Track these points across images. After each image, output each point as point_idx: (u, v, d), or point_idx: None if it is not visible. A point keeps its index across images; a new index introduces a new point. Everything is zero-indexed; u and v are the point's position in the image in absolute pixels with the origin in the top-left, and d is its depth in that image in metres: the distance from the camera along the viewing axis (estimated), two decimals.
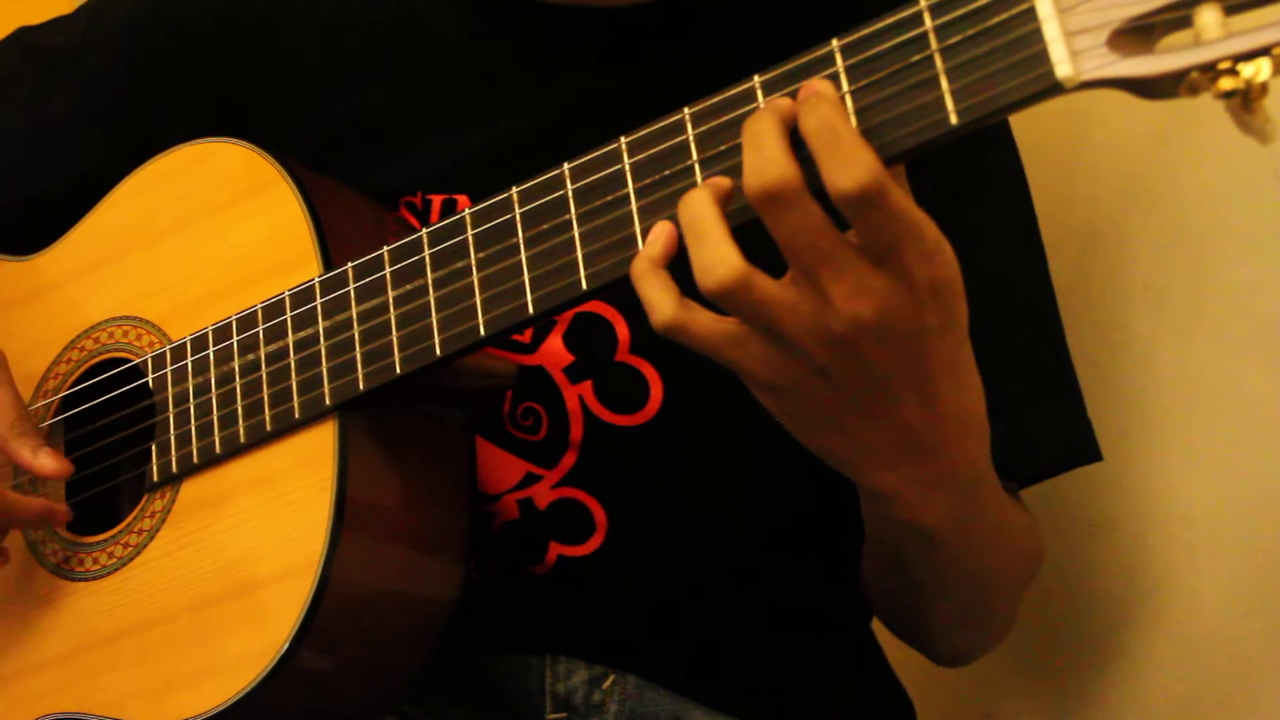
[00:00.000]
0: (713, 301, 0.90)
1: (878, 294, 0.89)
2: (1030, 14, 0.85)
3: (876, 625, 1.35)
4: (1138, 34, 0.84)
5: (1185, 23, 0.83)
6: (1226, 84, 0.82)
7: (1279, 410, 1.36)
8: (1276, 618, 1.36)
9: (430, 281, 1.06)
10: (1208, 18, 0.82)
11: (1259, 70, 0.81)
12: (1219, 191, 1.38)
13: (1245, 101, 0.82)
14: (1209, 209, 1.39)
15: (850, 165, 0.86)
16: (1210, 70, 0.82)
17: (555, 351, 1.20)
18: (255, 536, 1.10)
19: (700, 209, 0.91)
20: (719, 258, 0.89)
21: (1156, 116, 1.39)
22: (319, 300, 1.11)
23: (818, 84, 0.89)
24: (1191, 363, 1.40)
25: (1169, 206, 1.42)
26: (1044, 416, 1.24)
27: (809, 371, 0.92)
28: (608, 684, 1.23)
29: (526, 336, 1.20)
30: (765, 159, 0.87)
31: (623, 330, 1.19)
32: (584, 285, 0.99)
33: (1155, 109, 1.37)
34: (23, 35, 1.41)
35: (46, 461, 1.18)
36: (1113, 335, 1.43)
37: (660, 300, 0.92)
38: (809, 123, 0.87)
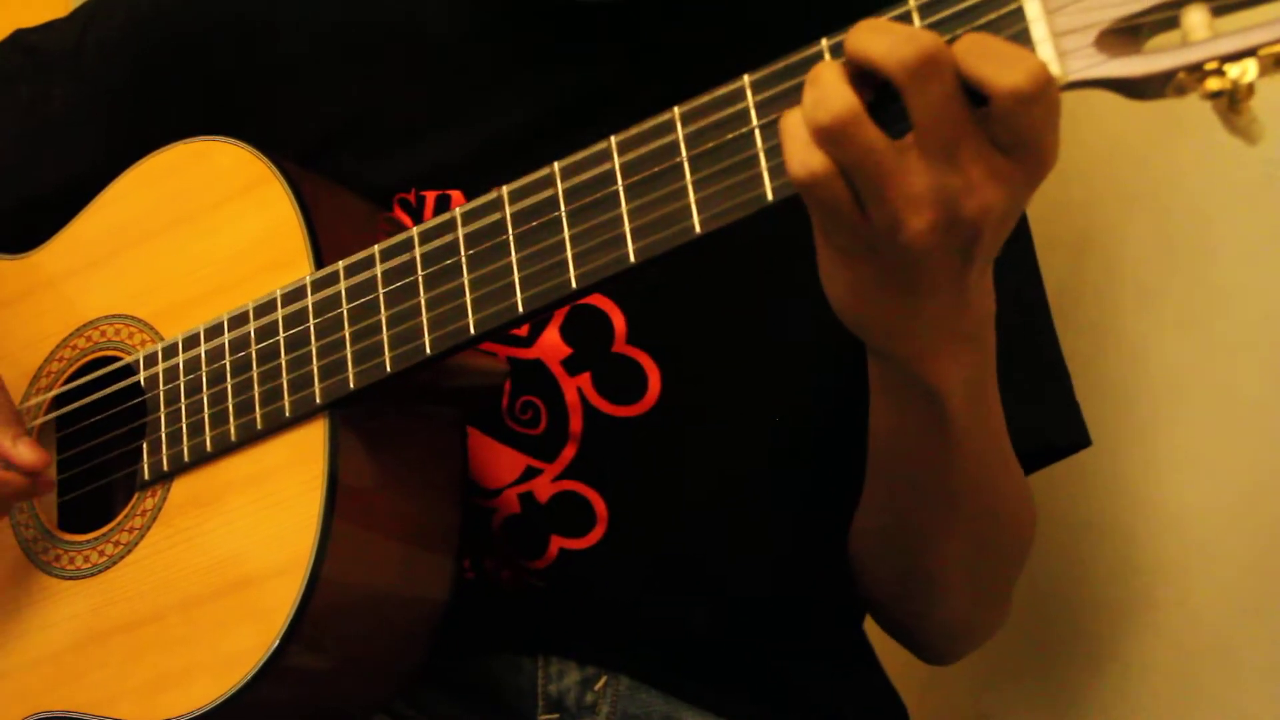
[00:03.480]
0: (821, 140, 0.88)
1: (1012, 183, 0.89)
2: (1019, 14, 0.86)
3: (869, 626, 1.35)
4: (1125, 35, 0.85)
5: (1173, 23, 0.84)
6: (1213, 85, 0.82)
7: (1270, 412, 1.36)
8: (1268, 619, 1.36)
9: (420, 280, 1.06)
10: (1195, 19, 0.82)
11: (1245, 71, 0.81)
12: (1211, 195, 1.39)
13: (1232, 102, 0.82)
14: (1201, 212, 1.40)
15: (1020, 60, 0.85)
16: (1197, 71, 0.82)
17: (553, 344, 1.20)
18: (246, 534, 1.10)
19: (823, 65, 0.90)
20: (836, 92, 0.88)
21: (1149, 121, 1.40)
22: (310, 298, 1.11)
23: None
24: (1183, 365, 1.40)
25: (1161, 210, 1.42)
26: (1038, 400, 1.24)
27: (884, 235, 0.91)
28: (600, 685, 1.24)
29: (523, 330, 1.20)
30: (906, 33, 0.87)
31: (619, 321, 1.20)
32: (574, 284, 0.99)
33: (1147, 113, 1.37)
34: (19, 37, 1.41)
35: (24, 451, 1.18)
36: (1105, 337, 1.43)
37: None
38: (962, 41, 0.87)
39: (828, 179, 0.89)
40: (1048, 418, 1.26)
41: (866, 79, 0.88)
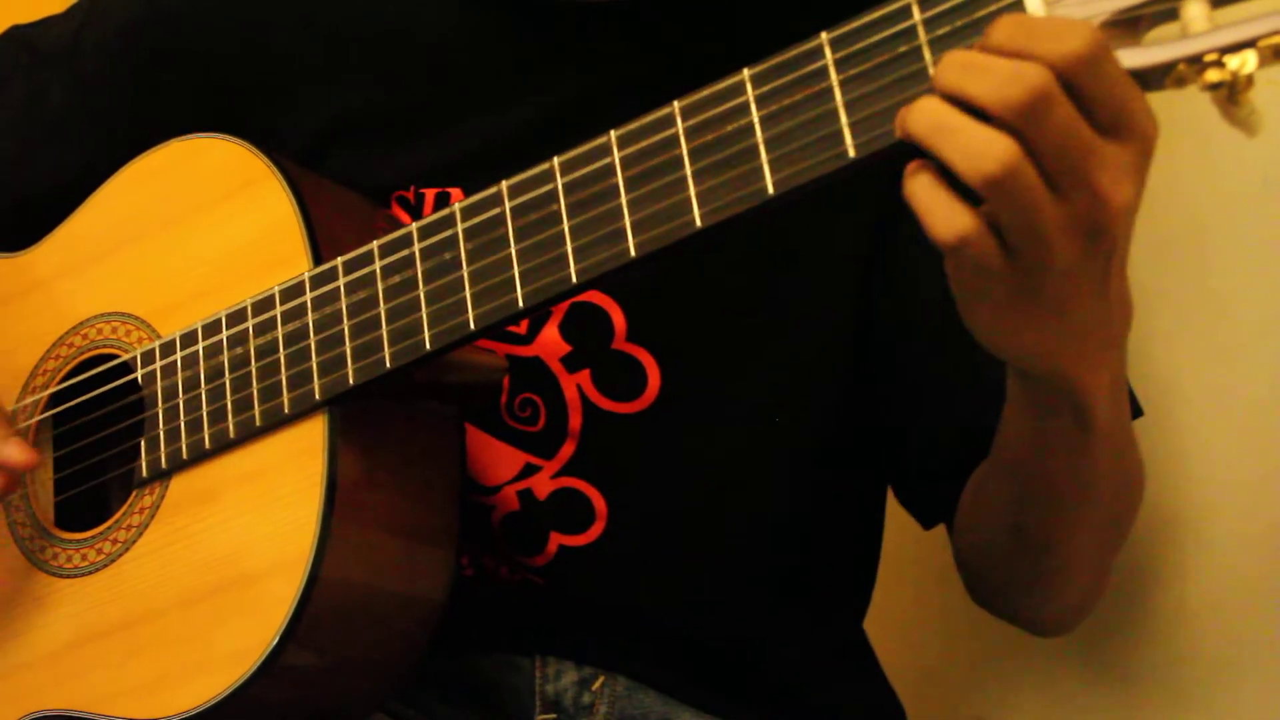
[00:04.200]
0: (989, 189, 0.84)
1: (1132, 170, 0.86)
2: (1018, 7, 0.86)
3: (866, 626, 1.35)
4: (1125, 26, 0.85)
5: (1172, 15, 0.84)
6: (1213, 76, 0.82)
7: (1268, 415, 1.36)
8: (1264, 622, 1.36)
9: (420, 275, 1.06)
10: (1194, 10, 0.83)
11: (1245, 63, 0.81)
12: (1209, 198, 1.39)
13: (1231, 94, 0.82)
14: (1199, 216, 1.40)
15: (1067, 31, 0.83)
16: (1197, 63, 0.83)
17: (552, 341, 1.20)
18: (245, 532, 1.10)
19: (935, 109, 0.86)
20: (989, 138, 0.84)
21: None
22: (309, 295, 1.11)
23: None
24: (1182, 368, 1.40)
25: (1159, 213, 1.42)
26: None
27: (1045, 266, 0.88)
28: (597, 685, 1.23)
29: (523, 328, 1.20)
30: (1007, 74, 0.83)
31: (619, 318, 1.20)
32: (574, 279, 0.99)
33: None
34: (15, 33, 1.41)
35: (13, 451, 1.18)
36: None
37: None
38: (997, 30, 0.84)
39: (979, 236, 0.86)
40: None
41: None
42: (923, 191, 0.87)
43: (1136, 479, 1.18)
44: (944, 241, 0.87)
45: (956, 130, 0.85)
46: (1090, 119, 0.84)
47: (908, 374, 1.23)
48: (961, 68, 0.85)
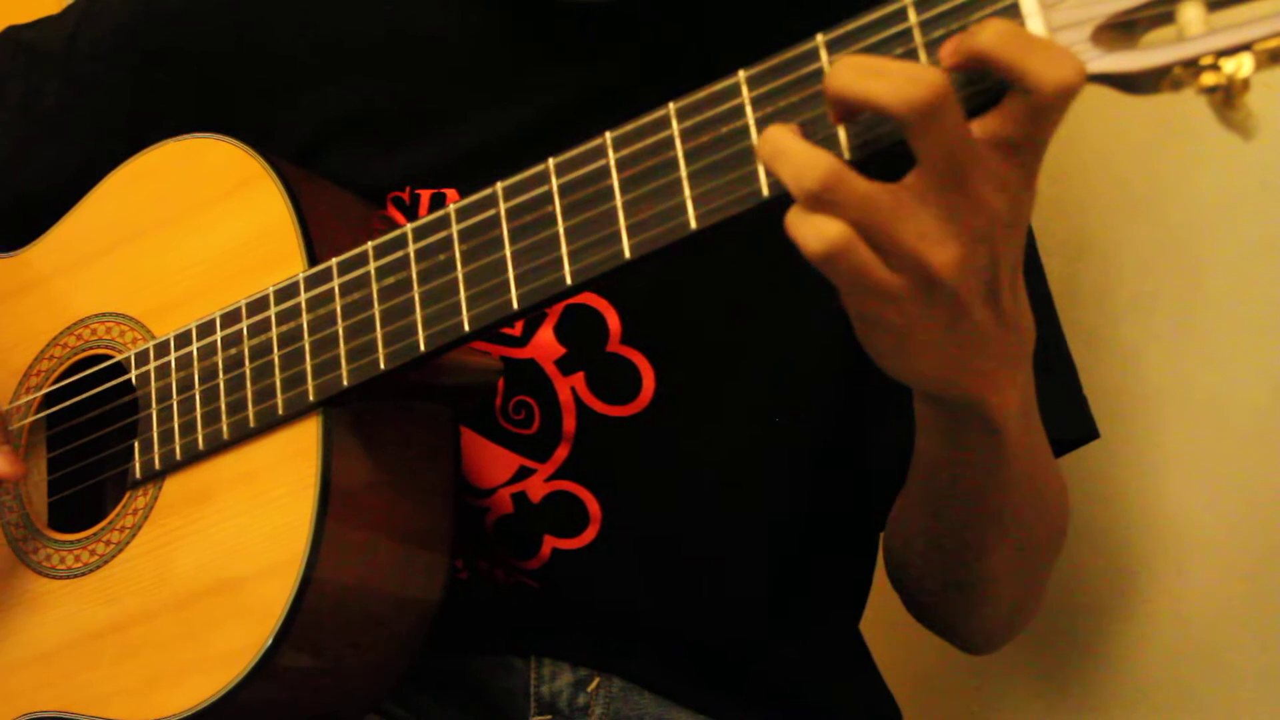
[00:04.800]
0: (815, 207, 0.87)
1: (1015, 186, 0.87)
2: (1014, 9, 0.86)
3: (862, 626, 1.35)
4: (1121, 30, 0.85)
5: (1168, 18, 0.84)
6: (1209, 79, 0.82)
7: (1266, 419, 1.36)
8: (1261, 626, 1.36)
9: (415, 276, 1.05)
10: (1190, 13, 0.83)
11: (1241, 66, 0.81)
12: (1207, 202, 1.39)
13: (1227, 97, 0.82)
14: (1198, 219, 1.40)
15: (1063, 55, 0.83)
16: (1193, 66, 0.82)
17: (546, 344, 1.20)
18: (238, 533, 1.10)
19: (775, 134, 0.88)
20: (808, 159, 0.86)
21: (1146, 126, 1.40)
22: (303, 296, 1.10)
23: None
24: (1179, 371, 1.40)
25: (1158, 216, 1.42)
26: (1044, 395, 1.24)
27: (915, 281, 0.89)
28: (592, 687, 1.23)
29: (517, 330, 1.20)
30: (908, 75, 0.84)
31: (614, 321, 1.19)
32: (568, 281, 0.99)
33: (1143, 118, 1.38)
34: (11, 33, 1.41)
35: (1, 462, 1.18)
36: (1100, 342, 1.43)
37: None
38: (986, 37, 0.84)
39: (849, 244, 0.87)
40: (1055, 413, 1.25)
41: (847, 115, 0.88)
42: (793, 215, 0.88)
43: (1055, 503, 1.19)
44: (815, 255, 0.87)
45: (786, 151, 0.87)
46: (999, 136, 0.86)
47: (868, 383, 1.22)
48: (858, 71, 0.86)
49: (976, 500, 1.09)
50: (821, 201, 0.86)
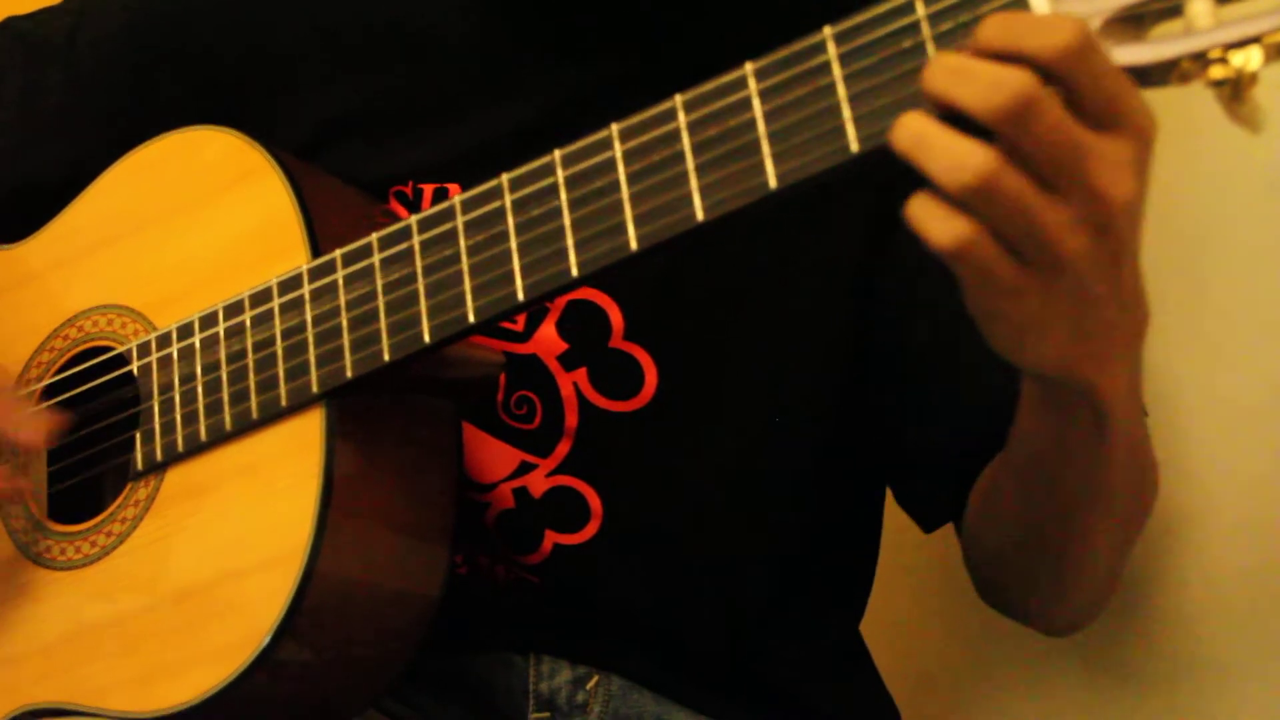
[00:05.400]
0: (973, 200, 0.85)
1: (1132, 164, 0.86)
2: (1023, 3, 0.85)
3: (863, 629, 1.35)
4: (1130, 22, 0.85)
5: (1177, 11, 0.84)
6: (1217, 73, 0.82)
7: (1269, 420, 1.36)
8: (1263, 629, 1.37)
9: (419, 268, 1.05)
10: (1199, 6, 0.83)
11: (1249, 59, 0.81)
12: (1213, 203, 1.39)
13: (1235, 90, 0.82)
14: (1203, 221, 1.40)
15: (1053, 26, 0.83)
16: (1201, 59, 0.82)
17: (549, 339, 1.20)
18: (240, 525, 1.10)
19: (915, 122, 0.86)
20: (965, 151, 0.84)
21: None
22: (306, 287, 1.10)
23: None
24: (1184, 373, 1.40)
25: (1163, 217, 1.41)
26: None
27: (1043, 275, 0.88)
28: (591, 684, 1.23)
29: (520, 325, 1.20)
30: (991, 80, 0.83)
31: (616, 316, 1.19)
32: (574, 272, 0.98)
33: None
34: (11, 25, 1.41)
35: (30, 425, 1.16)
36: None
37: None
38: (982, 33, 0.84)
39: (980, 241, 0.86)
40: None
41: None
42: (920, 206, 0.87)
43: (1150, 477, 1.18)
44: (944, 248, 0.86)
45: (934, 143, 0.85)
46: (1081, 115, 0.84)
47: (909, 376, 1.22)
48: (948, 73, 0.85)
49: (1084, 482, 1.06)
50: (978, 198, 0.85)
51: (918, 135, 0.86)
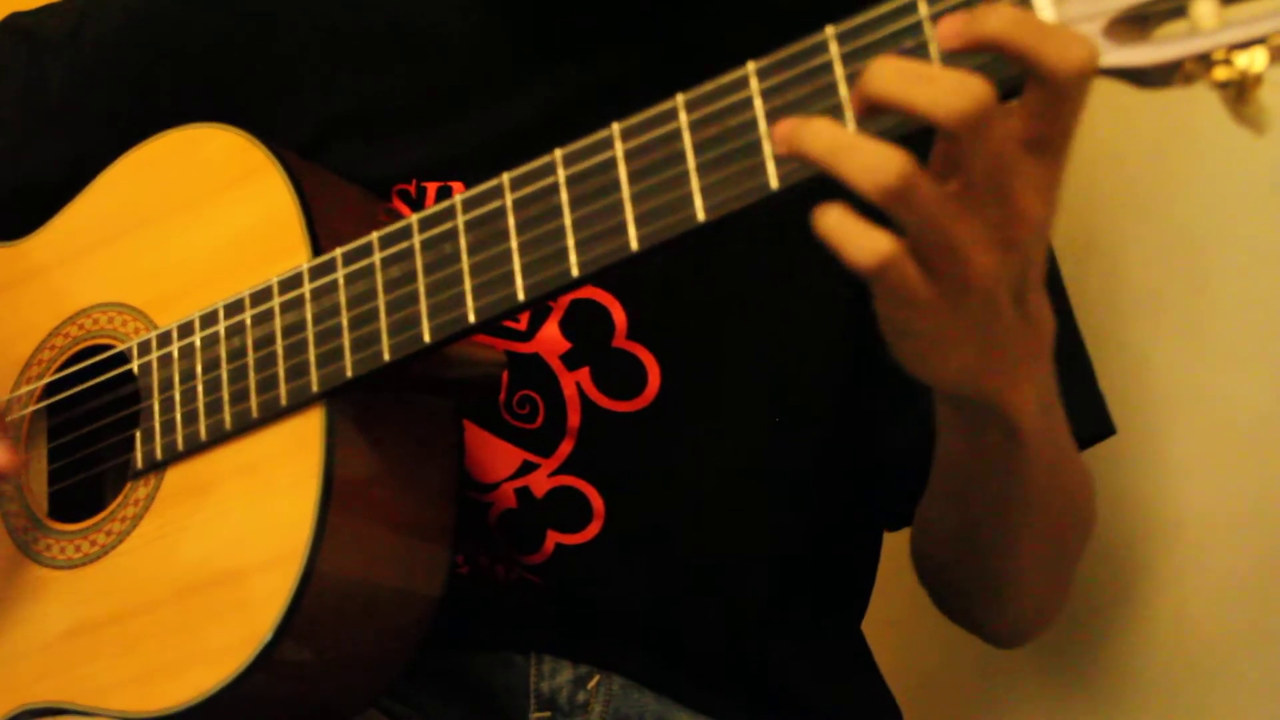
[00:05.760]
0: (890, 203, 0.84)
1: (1050, 189, 0.87)
2: (1027, 4, 0.85)
3: (864, 629, 1.35)
4: (1134, 23, 0.84)
5: (1181, 12, 0.83)
6: (1222, 74, 0.82)
7: (1271, 420, 1.36)
8: (1266, 630, 1.36)
9: (420, 267, 1.05)
10: (1204, 7, 0.82)
11: (1254, 60, 0.81)
12: (1216, 201, 1.39)
13: (1240, 91, 0.82)
14: (1207, 220, 1.40)
15: (1074, 43, 0.82)
16: (1206, 60, 0.82)
17: (552, 338, 1.20)
18: (240, 524, 1.09)
19: (828, 129, 0.86)
20: (881, 156, 0.83)
21: (1154, 126, 1.40)
22: (307, 286, 1.10)
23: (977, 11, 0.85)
24: (1186, 372, 1.40)
25: (1166, 216, 1.42)
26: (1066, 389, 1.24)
27: (953, 290, 0.88)
28: (593, 684, 1.23)
29: (523, 324, 1.20)
30: (956, 85, 0.83)
31: (619, 316, 1.19)
32: (575, 272, 0.98)
33: (1152, 118, 1.38)
34: (14, 20, 1.41)
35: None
36: (1106, 343, 1.43)
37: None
38: (997, 22, 0.83)
39: (898, 258, 0.85)
40: (1071, 409, 1.25)
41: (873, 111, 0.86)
42: (836, 223, 0.86)
43: (1081, 494, 1.19)
44: (865, 267, 0.86)
45: (850, 145, 0.85)
46: (1030, 134, 0.85)
47: (882, 383, 1.22)
48: (902, 75, 0.84)
49: (1001, 496, 1.08)
50: (897, 200, 0.84)
51: (831, 139, 0.86)
